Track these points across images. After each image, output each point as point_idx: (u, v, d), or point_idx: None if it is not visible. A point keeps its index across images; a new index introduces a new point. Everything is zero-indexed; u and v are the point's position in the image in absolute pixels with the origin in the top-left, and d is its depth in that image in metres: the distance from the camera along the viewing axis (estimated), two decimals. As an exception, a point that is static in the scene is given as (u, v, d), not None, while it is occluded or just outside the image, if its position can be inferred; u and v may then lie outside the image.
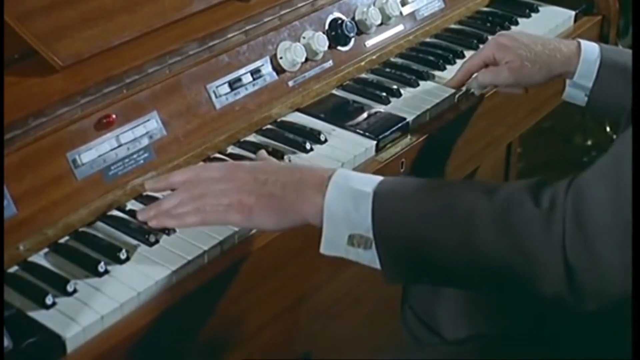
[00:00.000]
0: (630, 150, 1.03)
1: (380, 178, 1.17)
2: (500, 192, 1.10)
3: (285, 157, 1.44)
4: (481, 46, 1.80)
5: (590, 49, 1.56)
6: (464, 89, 1.67)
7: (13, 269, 1.20)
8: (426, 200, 1.14)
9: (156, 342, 1.17)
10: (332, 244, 1.16)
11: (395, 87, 1.65)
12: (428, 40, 1.85)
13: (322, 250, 1.17)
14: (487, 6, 2.02)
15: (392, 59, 1.78)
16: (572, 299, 1.07)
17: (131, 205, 1.33)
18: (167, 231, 1.26)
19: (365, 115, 1.58)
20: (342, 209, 1.15)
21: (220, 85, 1.49)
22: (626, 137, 1.05)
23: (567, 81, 1.58)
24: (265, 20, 1.58)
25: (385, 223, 1.13)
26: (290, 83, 1.59)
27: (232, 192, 1.20)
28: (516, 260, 1.08)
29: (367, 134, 1.52)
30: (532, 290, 1.09)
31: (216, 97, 1.48)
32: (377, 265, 1.15)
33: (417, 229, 1.13)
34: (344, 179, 1.17)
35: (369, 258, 1.15)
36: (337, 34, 1.67)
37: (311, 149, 1.47)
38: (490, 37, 1.83)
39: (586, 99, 1.57)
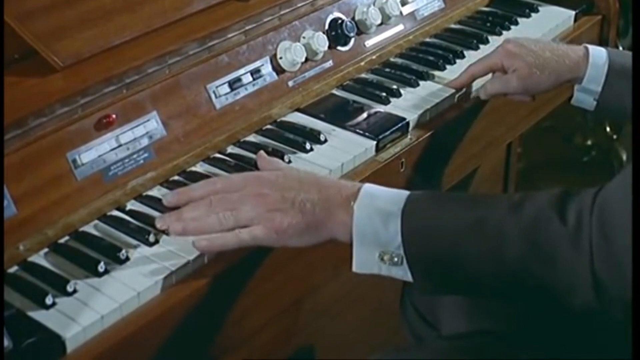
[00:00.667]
0: None
1: (406, 194, 1.19)
2: (526, 208, 1.12)
3: (286, 157, 1.44)
4: (481, 46, 1.80)
5: (598, 54, 1.57)
6: (463, 89, 1.67)
7: (13, 269, 1.20)
8: (454, 217, 1.16)
9: (156, 342, 1.17)
10: (364, 263, 1.19)
11: (395, 87, 1.65)
12: (428, 40, 1.85)
13: (355, 269, 1.20)
14: (487, 6, 2.02)
15: (392, 59, 1.78)
16: (601, 311, 1.09)
17: (131, 205, 1.33)
18: (167, 231, 1.26)
19: (365, 115, 1.58)
20: (371, 229, 1.17)
21: (220, 85, 1.49)
22: None
23: (576, 86, 1.58)
24: (265, 20, 1.58)
25: (415, 241, 1.16)
26: (290, 83, 1.59)
27: (261, 211, 1.21)
28: (546, 276, 1.10)
29: (367, 134, 1.52)
30: (561, 303, 1.12)
31: (216, 97, 1.48)
32: (410, 279, 1.17)
33: (446, 246, 1.15)
34: (370, 198, 1.19)
35: (402, 273, 1.17)
36: (337, 34, 1.67)
37: (311, 149, 1.47)
38: (490, 38, 1.84)
39: (595, 103, 1.58)
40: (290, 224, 1.20)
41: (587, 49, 1.57)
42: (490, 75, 1.66)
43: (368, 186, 1.21)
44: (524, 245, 1.10)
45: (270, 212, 1.20)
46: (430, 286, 1.20)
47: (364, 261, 1.18)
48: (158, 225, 1.26)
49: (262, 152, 1.40)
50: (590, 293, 1.08)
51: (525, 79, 1.58)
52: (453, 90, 1.66)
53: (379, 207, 1.17)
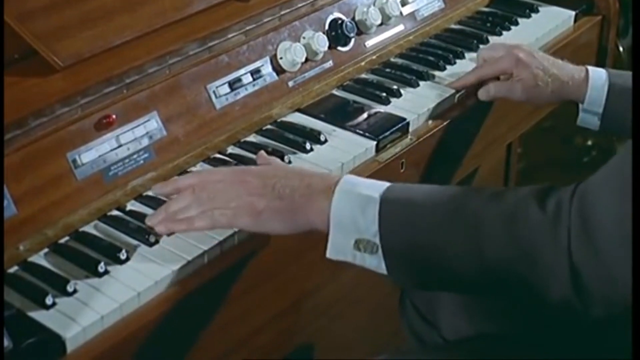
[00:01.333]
0: (629, 157, 1.03)
1: (387, 184, 1.18)
2: (506, 198, 1.11)
3: (286, 157, 1.44)
4: (481, 46, 1.80)
5: (598, 75, 1.58)
6: (461, 93, 1.67)
7: (13, 269, 1.20)
8: (433, 206, 1.15)
9: (156, 342, 1.17)
10: (338, 249, 1.17)
11: (395, 87, 1.65)
12: (428, 40, 1.85)
13: (329, 254, 1.18)
14: (487, 6, 2.02)
15: (392, 59, 1.78)
16: (579, 305, 1.07)
17: (131, 205, 1.33)
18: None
19: (365, 115, 1.58)
20: (348, 214, 1.16)
21: (220, 86, 1.49)
22: (628, 147, 1.06)
23: (580, 106, 1.60)
24: (265, 20, 1.58)
25: (392, 228, 1.14)
26: (290, 83, 1.59)
27: (241, 195, 1.21)
28: (523, 266, 1.08)
29: (367, 134, 1.52)
30: (539, 296, 1.10)
31: (216, 97, 1.48)
32: (384, 271, 1.15)
33: (424, 235, 1.13)
34: (351, 185, 1.18)
35: (375, 263, 1.15)
36: (337, 34, 1.67)
37: (311, 149, 1.47)
38: (490, 38, 1.84)
39: (599, 123, 1.59)
40: (266, 207, 1.20)
41: (587, 70, 1.59)
42: None
43: (350, 175, 1.21)
44: (502, 233, 1.09)
45: (248, 196, 1.21)
46: (406, 278, 1.17)
47: (339, 247, 1.17)
48: (148, 223, 1.27)
49: (262, 151, 1.40)
50: (568, 285, 1.06)
51: (530, 90, 1.60)
52: (453, 91, 1.66)
53: (359, 192, 1.16)
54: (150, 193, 1.36)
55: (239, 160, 1.44)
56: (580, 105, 1.60)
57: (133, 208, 1.33)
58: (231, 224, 1.23)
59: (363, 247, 1.15)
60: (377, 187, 1.17)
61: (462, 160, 1.73)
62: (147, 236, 1.25)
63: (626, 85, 1.55)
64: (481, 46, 1.81)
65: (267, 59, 1.57)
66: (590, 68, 1.60)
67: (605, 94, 1.57)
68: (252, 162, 1.41)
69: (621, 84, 1.57)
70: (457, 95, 1.66)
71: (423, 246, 1.13)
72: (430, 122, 1.61)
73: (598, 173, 1.08)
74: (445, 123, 1.61)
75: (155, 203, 1.33)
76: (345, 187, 1.17)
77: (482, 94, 1.65)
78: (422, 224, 1.14)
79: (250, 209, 1.20)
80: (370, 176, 1.44)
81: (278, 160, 1.39)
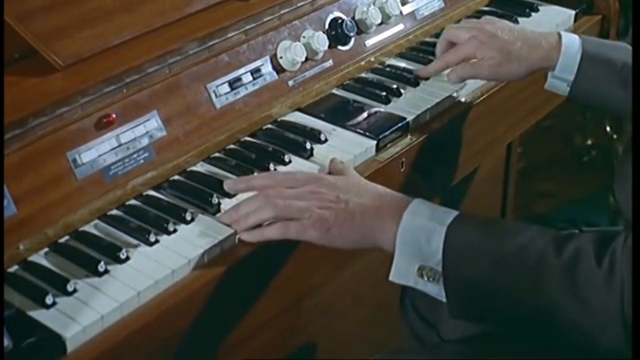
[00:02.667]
0: None
1: (455, 213, 1.21)
2: (569, 246, 1.14)
3: (286, 156, 1.43)
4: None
5: (571, 42, 1.56)
6: (462, 91, 1.67)
7: (13, 268, 1.20)
8: (497, 242, 1.18)
9: (156, 342, 1.17)
10: (401, 273, 1.20)
11: (395, 86, 1.65)
12: (428, 39, 1.85)
13: (392, 278, 1.21)
14: (487, 5, 2.02)
15: (392, 59, 1.77)
16: (629, 353, 1.10)
17: (131, 204, 1.33)
18: (168, 231, 1.26)
19: (365, 114, 1.58)
20: (414, 240, 1.19)
21: (220, 85, 1.49)
22: None
23: (549, 72, 1.58)
24: (265, 19, 1.58)
25: (455, 259, 1.17)
26: (290, 82, 1.59)
27: (313, 207, 1.23)
28: (578, 313, 1.12)
29: (367, 133, 1.52)
30: (591, 343, 1.13)
31: (216, 96, 1.48)
32: (443, 299, 1.18)
33: (485, 271, 1.16)
34: (420, 210, 1.21)
35: (436, 291, 1.19)
36: (337, 34, 1.67)
37: (311, 149, 1.47)
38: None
39: (568, 89, 1.57)
40: (336, 223, 1.22)
41: (559, 37, 1.57)
42: None
43: (419, 200, 1.24)
44: (561, 282, 1.13)
45: (321, 208, 1.23)
46: (462, 309, 1.20)
47: (402, 272, 1.20)
48: (222, 219, 1.29)
49: (335, 159, 1.41)
50: (619, 334, 1.10)
51: (495, 68, 1.58)
52: (453, 90, 1.66)
53: (426, 220, 1.19)
54: (150, 192, 1.36)
55: (240, 159, 1.43)
56: (549, 72, 1.58)
57: (133, 207, 1.33)
58: (300, 236, 1.25)
59: (426, 274, 1.18)
60: (445, 216, 1.20)
61: (462, 160, 1.73)
62: (147, 236, 1.25)
63: (599, 53, 1.54)
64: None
65: (267, 58, 1.57)
66: (563, 34, 1.58)
67: (578, 61, 1.55)
68: (252, 161, 1.41)
69: (594, 52, 1.54)
70: (457, 95, 1.66)
71: (484, 282, 1.16)
72: (430, 121, 1.60)
73: (633, 242, 1.11)
74: (445, 122, 1.61)
75: (155, 202, 1.33)
76: (413, 213, 1.20)
77: (452, 78, 1.65)
78: (485, 260, 1.17)
79: (320, 224, 1.23)
80: (370, 175, 1.44)
81: (352, 170, 1.38)
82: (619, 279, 1.09)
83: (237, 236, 1.27)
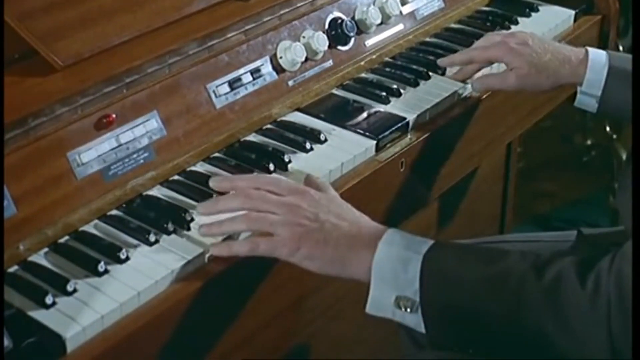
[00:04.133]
0: None
1: (431, 242, 1.18)
2: (550, 270, 1.12)
3: (286, 156, 1.43)
4: None
5: (598, 58, 1.56)
6: (462, 91, 1.67)
7: (13, 268, 1.20)
8: (476, 269, 1.15)
9: (156, 342, 1.17)
10: (378, 305, 1.17)
11: (395, 86, 1.65)
12: (428, 39, 1.85)
13: (368, 310, 1.19)
14: (487, 5, 2.02)
15: (392, 59, 1.77)
16: None
17: (132, 204, 1.33)
18: (168, 231, 1.26)
19: (365, 114, 1.58)
20: (390, 270, 1.16)
21: (220, 85, 1.49)
22: None
23: (578, 88, 1.59)
24: (265, 19, 1.58)
25: (433, 288, 1.14)
26: (290, 83, 1.59)
27: (288, 224, 1.20)
28: (561, 336, 1.10)
29: (367, 133, 1.52)
30: None
31: (216, 96, 1.48)
32: (422, 329, 1.16)
33: (465, 298, 1.14)
34: (395, 240, 1.18)
35: (415, 321, 1.16)
36: (337, 34, 1.67)
37: (311, 149, 1.47)
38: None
39: (597, 105, 1.58)
40: (307, 245, 1.19)
41: (587, 52, 1.57)
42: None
43: (394, 230, 1.21)
44: (543, 307, 1.10)
45: (295, 226, 1.20)
46: (442, 338, 1.18)
47: (379, 303, 1.17)
48: (198, 210, 1.28)
49: (309, 175, 1.36)
50: (605, 356, 1.07)
51: (524, 79, 1.58)
52: (453, 90, 1.66)
53: (402, 249, 1.16)
54: (150, 192, 1.36)
55: (240, 159, 1.43)
56: (578, 87, 1.58)
57: (133, 207, 1.33)
58: (269, 254, 1.22)
59: (403, 304, 1.15)
60: (421, 245, 1.17)
61: (462, 160, 1.73)
62: (147, 236, 1.25)
63: (626, 69, 1.53)
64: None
65: (267, 58, 1.57)
66: (591, 49, 1.58)
67: (605, 76, 1.55)
68: (252, 161, 1.41)
69: (621, 67, 1.54)
70: (457, 95, 1.66)
71: (463, 309, 1.14)
72: (430, 121, 1.60)
73: (629, 243, 1.09)
74: (445, 122, 1.61)
75: (155, 202, 1.33)
76: (389, 241, 1.18)
77: (477, 87, 1.65)
78: (464, 287, 1.14)
79: (290, 242, 1.19)
80: (370, 175, 1.45)
81: (331, 187, 1.32)
82: (604, 300, 1.07)
83: (236, 236, 1.27)
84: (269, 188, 1.25)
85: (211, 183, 1.32)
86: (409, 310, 1.15)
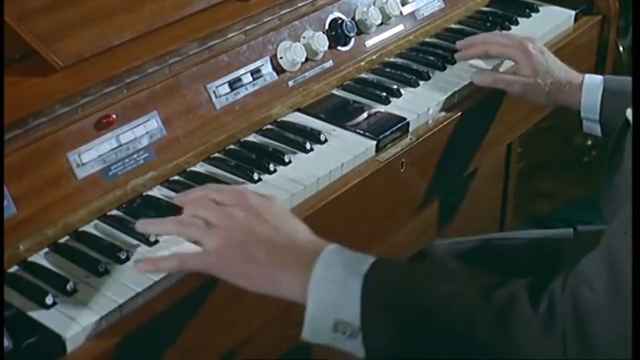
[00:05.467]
0: (623, 243, 1.00)
1: (371, 260, 1.09)
2: (500, 292, 1.05)
3: (286, 157, 1.44)
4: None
5: (592, 81, 1.59)
6: (463, 91, 1.67)
7: (13, 268, 1.20)
8: (421, 292, 1.08)
9: (156, 342, 1.17)
10: (315, 330, 1.08)
11: (395, 86, 1.65)
12: (428, 40, 1.85)
13: (305, 335, 1.09)
14: (487, 6, 2.02)
15: (392, 59, 1.78)
16: None
17: (131, 204, 1.33)
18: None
19: (365, 115, 1.58)
20: (328, 294, 1.07)
21: (220, 85, 1.49)
22: (617, 227, 1.04)
23: (581, 114, 1.61)
24: (265, 20, 1.58)
25: (375, 312, 1.06)
26: (290, 83, 1.59)
27: (219, 235, 1.13)
28: None
29: (367, 134, 1.52)
30: None
31: (216, 97, 1.48)
32: (362, 356, 1.06)
33: (409, 324, 1.06)
34: (332, 260, 1.09)
35: (355, 347, 1.06)
36: (337, 34, 1.67)
37: (311, 149, 1.47)
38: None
39: (599, 129, 1.61)
40: (238, 264, 1.11)
41: (583, 77, 1.60)
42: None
43: (332, 248, 1.11)
44: (493, 331, 1.03)
45: (226, 242, 1.12)
46: None
47: (316, 328, 1.07)
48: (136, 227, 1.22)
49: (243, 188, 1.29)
50: None
51: (529, 88, 1.61)
52: (453, 91, 1.66)
53: (340, 271, 1.07)
54: (150, 193, 1.36)
55: (240, 159, 1.43)
56: (581, 114, 1.61)
57: (133, 207, 1.33)
58: (199, 270, 1.14)
59: (342, 329, 1.06)
60: (360, 265, 1.08)
61: (462, 160, 1.73)
62: (147, 236, 1.25)
63: (621, 89, 1.54)
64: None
65: (267, 58, 1.57)
66: (587, 75, 1.61)
67: (600, 99, 1.57)
68: (252, 161, 1.42)
69: (616, 89, 1.56)
70: (458, 95, 1.67)
71: (407, 334, 1.06)
72: (430, 121, 1.61)
73: (585, 263, 1.04)
74: (445, 123, 1.61)
75: (155, 202, 1.33)
76: (326, 263, 1.08)
77: (482, 79, 1.66)
78: (408, 310, 1.07)
79: (220, 259, 1.12)
80: (370, 176, 1.45)
81: (276, 198, 1.22)
82: (559, 323, 1.01)
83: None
84: (211, 195, 1.18)
85: (175, 199, 1.25)
86: (348, 335, 1.06)
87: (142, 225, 1.21)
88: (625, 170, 1.22)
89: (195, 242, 1.16)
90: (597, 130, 1.61)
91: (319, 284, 1.07)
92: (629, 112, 1.18)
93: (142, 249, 1.24)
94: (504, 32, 1.87)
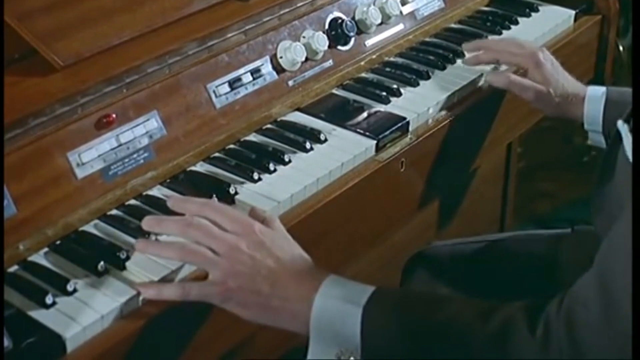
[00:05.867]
0: (615, 263, 1.00)
1: (370, 290, 1.12)
2: (497, 316, 1.07)
3: (286, 156, 1.43)
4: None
5: (594, 93, 1.60)
6: (463, 92, 1.67)
7: (13, 268, 1.20)
8: (419, 320, 1.10)
9: (156, 342, 1.17)
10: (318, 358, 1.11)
11: (395, 86, 1.65)
12: (428, 39, 1.85)
13: None
14: (487, 6, 2.02)
15: (392, 59, 1.78)
16: None
17: (131, 204, 1.33)
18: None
19: (365, 114, 1.58)
20: (329, 325, 1.10)
21: (220, 85, 1.49)
22: (609, 245, 1.03)
23: (586, 126, 1.62)
24: (265, 19, 1.58)
25: (375, 342, 1.09)
26: (290, 82, 1.59)
27: (223, 268, 1.14)
28: None
29: (367, 133, 1.52)
30: None
31: (216, 96, 1.48)
32: None
33: (409, 352, 1.09)
34: (332, 292, 1.12)
35: None
36: (337, 34, 1.67)
37: (311, 149, 1.47)
38: (490, 37, 1.84)
39: (604, 140, 1.61)
40: (239, 295, 1.14)
41: (587, 90, 1.61)
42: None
43: (332, 279, 1.14)
44: (491, 353, 1.05)
45: (229, 274, 1.14)
46: None
47: (320, 357, 1.11)
48: (142, 224, 1.22)
49: (255, 208, 1.27)
50: None
51: (540, 96, 1.62)
52: (453, 90, 1.66)
53: (339, 302, 1.10)
54: (150, 192, 1.36)
55: (239, 159, 1.43)
56: (586, 126, 1.62)
57: (133, 207, 1.33)
58: (201, 299, 1.16)
59: (346, 357, 1.10)
60: (360, 295, 1.11)
61: (462, 160, 1.73)
62: (146, 236, 1.25)
63: (622, 100, 1.55)
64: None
65: (267, 58, 1.57)
66: (590, 87, 1.62)
67: (602, 111, 1.58)
68: (252, 161, 1.41)
69: (617, 98, 1.57)
70: (458, 95, 1.66)
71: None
72: (430, 121, 1.61)
73: (580, 285, 1.05)
74: (445, 122, 1.61)
75: (155, 202, 1.33)
76: (325, 295, 1.11)
77: (497, 80, 1.67)
78: (407, 339, 1.09)
79: (224, 291, 1.14)
80: (370, 175, 1.45)
81: (277, 221, 1.24)
82: (556, 345, 1.02)
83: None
84: (215, 218, 1.18)
85: (168, 203, 1.25)
86: None
87: (145, 245, 1.20)
88: (616, 184, 1.23)
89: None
90: (602, 142, 1.62)
91: (320, 315, 1.10)
92: (619, 124, 1.18)
93: (142, 249, 1.24)
94: (514, 37, 1.85)
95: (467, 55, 1.74)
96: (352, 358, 1.10)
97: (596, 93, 1.60)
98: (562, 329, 1.02)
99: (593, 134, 1.62)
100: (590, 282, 1.03)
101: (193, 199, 1.24)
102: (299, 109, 1.59)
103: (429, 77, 1.70)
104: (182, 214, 1.21)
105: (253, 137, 1.51)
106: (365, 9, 1.71)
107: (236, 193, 1.35)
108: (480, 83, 1.71)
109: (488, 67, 1.73)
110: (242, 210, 1.26)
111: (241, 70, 1.52)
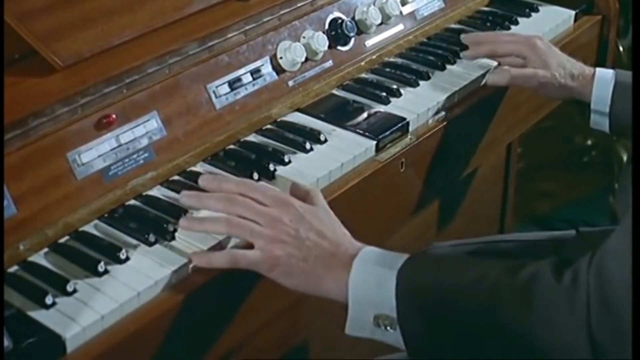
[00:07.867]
0: None
1: (405, 256, 1.17)
2: (525, 270, 1.11)
3: (286, 156, 1.44)
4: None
5: (604, 74, 1.60)
6: (462, 91, 1.67)
7: (13, 268, 1.20)
8: (450, 279, 1.15)
9: (156, 342, 1.17)
10: (358, 325, 1.17)
11: (395, 86, 1.65)
12: (428, 40, 1.85)
13: (348, 331, 1.17)
14: (487, 6, 2.02)
15: (392, 59, 1.78)
16: None
17: (131, 204, 1.33)
18: (168, 231, 1.26)
19: (365, 115, 1.58)
20: (366, 289, 1.15)
21: (220, 85, 1.49)
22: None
23: (590, 107, 1.62)
24: (265, 20, 1.58)
25: (409, 303, 1.14)
26: (290, 83, 1.59)
27: (268, 238, 1.19)
28: (540, 336, 1.08)
29: (367, 134, 1.52)
30: None
31: (216, 97, 1.48)
32: (402, 346, 1.15)
33: (441, 309, 1.14)
34: (369, 257, 1.18)
35: (395, 339, 1.15)
36: (337, 34, 1.67)
37: (311, 149, 1.47)
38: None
39: (608, 123, 1.60)
40: (285, 263, 1.19)
41: (595, 70, 1.61)
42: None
43: (369, 248, 1.20)
44: (518, 305, 1.09)
45: (274, 242, 1.19)
46: (424, 350, 1.16)
47: (358, 323, 1.16)
48: (181, 199, 1.28)
49: (295, 183, 1.32)
50: (587, 355, 1.05)
51: (544, 81, 1.62)
52: (453, 90, 1.66)
53: (376, 267, 1.16)
54: (150, 193, 1.36)
55: (239, 160, 1.43)
56: (590, 106, 1.61)
57: (133, 207, 1.33)
58: (249, 267, 1.21)
59: (382, 322, 1.15)
60: (395, 260, 1.16)
61: (462, 160, 1.73)
62: (147, 236, 1.25)
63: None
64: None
65: (267, 58, 1.57)
66: (599, 69, 1.62)
67: (611, 92, 1.58)
68: (252, 162, 1.42)
69: (628, 83, 1.56)
70: (458, 95, 1.67)
71: (440, 319, 1.13)
72: (430, 121, 1.61)
73: (611, 241, 1.07)
74: (445, 123, 1.61)
75: (155, 202, 1.33)
76: (363, 260, 1.17)
77: (499, 79, 1.66)
78: (439, 297, 1.14)
79: (268, 259, 1.19)
80: (370, 176, 1.45)
81: (320, 196, 1.29)
82: (584, 297, 1.05)
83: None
84: (254, 196, 1.23)
85: (200, 181, 1.30)
86: (388, 328, 1.15)
87: (190, 223, 1.24)
88: None
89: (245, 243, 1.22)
90: (605, 124, 1.61)
91: (357, 281, 1.16)
92: None
93: (142, 249, 1.24)
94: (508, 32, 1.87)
95: (466, 52, 1.75)
96: (389, 328, 1.14)
97: (606, 74, 1.61)
98: (592, 278, 1.05)
99: (596, 116, 1.61)
100: (624, 236, 1.05)
101: (230, 177, 1.30)
102: (299, 110, 1.59)
103: (428, 78, 1.70)
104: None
105: (253, 138, 1.51)
106: (365, 9, 1.72)
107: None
108: (482, 83, 1.71)
109: (488, 62, 1.72)
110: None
111: (241, 71, 1.52)
